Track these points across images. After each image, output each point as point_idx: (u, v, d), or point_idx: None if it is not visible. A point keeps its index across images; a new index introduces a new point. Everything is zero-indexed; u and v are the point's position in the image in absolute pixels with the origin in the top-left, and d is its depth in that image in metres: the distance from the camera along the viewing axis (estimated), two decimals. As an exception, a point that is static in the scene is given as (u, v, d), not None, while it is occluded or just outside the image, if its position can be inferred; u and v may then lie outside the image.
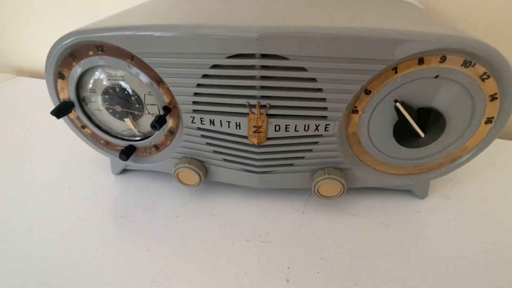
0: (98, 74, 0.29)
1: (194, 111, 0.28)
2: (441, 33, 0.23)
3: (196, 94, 0.26)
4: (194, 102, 0.27)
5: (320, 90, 0.25)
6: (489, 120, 0.26)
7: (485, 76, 0.24)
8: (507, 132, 0.46)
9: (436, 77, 0.24)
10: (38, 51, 0.67)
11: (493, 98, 0.25)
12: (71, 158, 0.39)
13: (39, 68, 0.69)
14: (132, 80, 0.29)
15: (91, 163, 0.38)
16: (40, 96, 0.57)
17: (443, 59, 0.23)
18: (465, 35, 0.23)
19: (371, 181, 0.31)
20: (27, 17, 0.62)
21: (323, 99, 0.25)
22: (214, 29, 0.23)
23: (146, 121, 0.31)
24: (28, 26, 0.63)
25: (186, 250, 0.28)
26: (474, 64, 0.23)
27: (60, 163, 0.39)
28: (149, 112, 0.31)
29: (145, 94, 0.30)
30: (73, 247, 0.28)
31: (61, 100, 0.30)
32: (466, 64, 0.23)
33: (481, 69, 0.24)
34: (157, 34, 0.24)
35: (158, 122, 0.28)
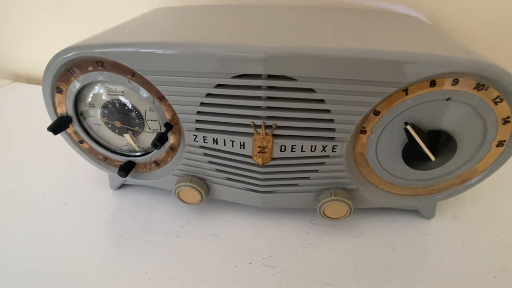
0: (98, 89, 0.28)
1: (197, 129, 0.27)
2: (455, 56, 0.22)
3: (199, 112, 0.25)
4: (197, 121, 0.26)
5: (328, 111, 0.24)
6: (500, 143, 0.25)
7: (498, 100, 0.23)
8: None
9: (448, 99, 0.23)
10: (35, 57, 0.65)
11: (505, 121, 0.24)
12: (68, 170, 0.38)
13: (36, 74, 0.68)
14: (133, 96, 0.28)
15: (88, 177, 0.37)
16: (37, 104, 0.55)
17: (455, 82, 0.23)
18: (478, 58, 0.22)
19: (378, 202, 0.30)
20: (24, 23, 0.61)
21: (331, 120, 0.24)
22: (220, 48, 0.22)
23: (147, 137, 0.30)
24: (25, 31, 0.62)
25: (186, 274, 0.27)
26: (488, 87, 0.23)
27: (57, 175, 0.38)
28: (149, 128, 0.30)
29: (146, 109, 0.29)
30: (69, 267, 0.27)
31: (59, 115, 0.29)
32: (479, 87, 0.23)
33: (494, 93, 0.23)
34: (160, 51, 0.23)
35: (160, 141, 0.27)
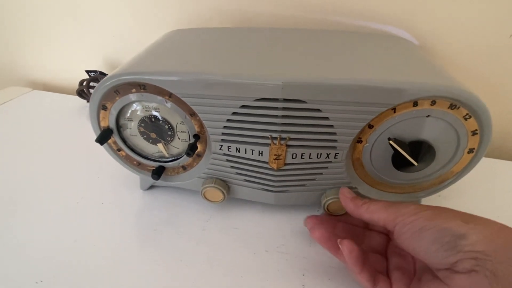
0: (136, 106, 0.33)
1: (223, 140, 0.32)
2: (433, 83, 0.28)
3: (225, 127, 0.31)
4: (223, 133, 0.31)
5: (331, 126, 0.29)
6: (471, 150, 0.31)
7: (467, 116, 0.29)
8: (494, 151, 0.51)
9: (428, 116, 0.29)
10: (52, 65, 0.70)
11: (474, 133, 0.30)
12: (99, 173, 0.43)
13: (54, 81, 0.72)
14: (167, 112, 0.33)
15: (118, 179, 0.42)
16: (58, 111, 0.60)
17: (433, 103, 0.28)
18: (451, 84, 0.28)
19: (372, 197, 0.35)
20: (43, 33, 0.65)
21: (334, 133, 0.30)
22: (246, 78, 0.28)
23: (176, 145, 0.36)
24: (44, 41, 0.66)
25: (214, 260, 0.32)
26: (459, 107, 0.28)
27: (90, 179, 0.43)
28: (179, 138, 0.35)
29: (177, 123, 0.34)
30: (113, 257, 0.32)
31: (102, 128, 0.34)
32: (452, 107, 0.28)
33: (464, 111, 0.29)
34: (196, 79, 0.28)
35: (192, 150, 0.32)
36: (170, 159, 0.37)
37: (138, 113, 0.34)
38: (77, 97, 0.60)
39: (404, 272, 0.28)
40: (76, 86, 0.59)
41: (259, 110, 0.29)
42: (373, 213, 0.28)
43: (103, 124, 0.34)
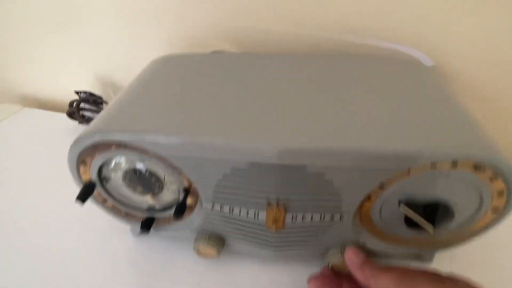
0: (119, 158, 0.30)
1: (214, 200, 0.29)
2: (453, 144, 0.24)
3: (216, 188, 0.28)
4: (215, 193, 0.28)
5: (336, 189, 0.26)
6: (494, 210, 0.27)
7: (493, 177, 0.25)
8: None
9: (447, 176, 0.25)
10: (44, 81, 0.66)
11: (499, 193, 0.26)
12: (88, 215, 0.41)
13: (45, 98, 0.69)
14: (152, 166, 0.30)
15: (109, 223, 0.40)
16: (49, 132, 0.57)
17: (455, 165, 0.24)
18: (475, 144, 0.24)
19: (382, 252, 0.32)
20: (31, 48, 0.62)
21: (339, 196, 0.26)
22: (236, 140, 0.24)
23: (166, 196, 0.32)
24: (32, 56, 0.63)
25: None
26: (484, 168, 0.25)
27: (78, 219, 0.40)
28: (168, 189, 0.32)
29: (165, 175, 0.31)
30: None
31: (83, 182, 0.31)
32: (476, 168, 0.25)
33: (490, 172, 0.25)
34: (181, 141, 0.25)
35: (180, 211, 0.29)
36: (160, 208, 0.34)
37: (122, 165, 0.31)
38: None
39: None
40: (67, 102, 0.56)
41: (253, 174, 0.25)
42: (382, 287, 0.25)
43: (84, 178, 0.31)
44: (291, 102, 0.29)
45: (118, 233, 0.38)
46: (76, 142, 0.28)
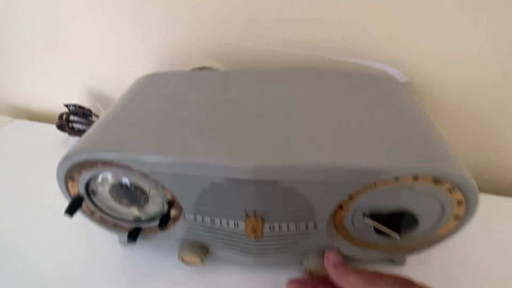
0: (106, 174, 0.32)
1: (196, 212, 0.31)
2: (414, 161, 0.26)
3: (197, 201, 0.29)
4: (196, 206, 0.30)
5: (308, 202, 0.28)
6: (456, 217, 0.30)
7: (452, 189, 0.27)
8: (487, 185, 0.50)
9: (411, 189, 0.28)
10: (33, 92, 0.67)
11: (459, 203, 0.28)
12: (77, 225, 0.42)
13: (35, 109, 0.70)
14: (137, 180, 0.31)
15: (98, 233, 0.41)
16: (39, 144, 0.58)
17: (416, 179, 0.27)
18: (434, 161, 0.26)
19: (356, 256, 0.34)
20: (20, 59, 0.63)
21: (312, 207, 0.28)
22: (215, 159, 0.26)
23: (151, 208, 0.34)
24: (21, 67, 0.64)
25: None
26: (443, 181, 0.27)
27: (69, 229, 0.42)
28: (153, 202, 0.33)
29: (149, 189, 0.32)
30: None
31: (72, 196, 0.33)
32: (435, 181, 0.27)
33: (448, 184, 0.27)
34: (162, 160, 0.27)
35: (164, 222, 0.31)
36: (147, 219, 0.36)
37: (109, 180, 0.32)
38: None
39: None
40: (57, 113, 0.57)
41: (230, 188, 0.27)
42: (353, 286, 0.27)
43: (73, 192, 0.33)
44: (267, 120, 0.31)
45: (107, 242, 0.40)
46: (63, 159, 0.30)
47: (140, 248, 0.39)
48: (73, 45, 0.56)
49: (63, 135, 0.59)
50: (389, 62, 0.43)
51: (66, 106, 0.56)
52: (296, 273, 0.36)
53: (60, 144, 0.58)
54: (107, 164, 0.29)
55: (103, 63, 0.57)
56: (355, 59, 0.43)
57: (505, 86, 0.40)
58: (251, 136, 0.29)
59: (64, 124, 0.56)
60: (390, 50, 0.42)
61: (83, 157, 0.28)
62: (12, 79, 0.67)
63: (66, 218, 0.42)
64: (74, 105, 0.56)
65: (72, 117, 0.56)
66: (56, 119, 0.58)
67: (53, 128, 0.62)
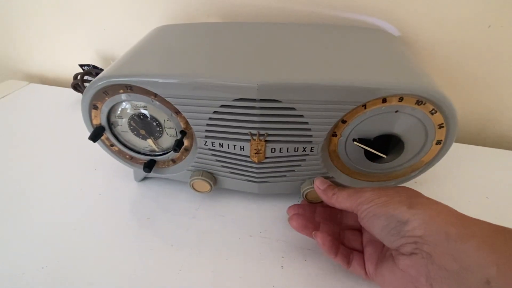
0: (125, 105, 0.35)
1: (207, 136, 0.34)
2: (400, 81, 0.30)
3: (208, 124, 0.33)
4: (207, 130, 0.34)
5: (306, 123, 0.31)
6: (438, 142, 0.33)
7: (433, 111, 0.31)
8: (466, 137, 0.53)
9: (396, 111, 0.31)
10: (47, 58, 0.71)
11: (440, 126, 0.32)
12: (96, 166, 0.46)
13: (50, 74, 0.73)
14: (154, 110, 0.35)
15: (113, 172, 0.45)
16: (54, 105, 0.62)
17: (401, 99, 0.30)
18: (417, 82, 0.30)
19: (347, 185, 0.38)
20: (35, 27, 0.66)
21: (309, 129, 0.32)
22: (224, 79, 0.29)
23: (165, 140, 0.38)
24: (36, 34, 0.67)
25: (202, 245, 0.35)
26: (425, 103, 0.30)
27: (87, 172, 0.45)
28: (167, 134, 0.37)
29: (164, 120, 0.36)
30: (111, 242, 0.36)
31: (94, 126, 0.37)
32: (418, 103, 0.30)
33: (430, 106, 0.31)
34: (178, 81, 0.30)
35: (178, 146, 0.34)
36: (160, 153, 0.39)
37: (128, 111, 0.36)
38: (73, 90, 0.62)
39: (375, 247, 0.31)
40: (70, 80, 0.61)
41: (238, 109, 0.31)
42: (341, 202, 0.31)
43: (95, 122, 0.36)
44: (271, 50, 0.35)
45: (123, 179, 0.44)
46: (89, 87, 0.33)
47: (153, 183, 0.43)
48: (86, 8, 0.59)
49: (78, 96, 0.63)
50: (386, 19, 0.46)
51: (81, 66, 0.60)
52: (293, 203, 0.40)
53: (75, 103, 0.62)
54: (128, 90, 0.33)
55: (115, 26, 0.60)
56: (352, 14, 0.46)
57: (489, 37, 0.43)
58: (256, 61, 0.33)
59: (79, 83, 0.59)
60: (387, 6, 0.45)
61: (107, 82, 0.32)
62: (27, 46, 0.70)
63: (87, 164, 0.46)
64: (89, 65, 0.59)
65: (86, 77, 0.60)
66: (69, 86, 0.62)
67: (67, 91, 0.66)
